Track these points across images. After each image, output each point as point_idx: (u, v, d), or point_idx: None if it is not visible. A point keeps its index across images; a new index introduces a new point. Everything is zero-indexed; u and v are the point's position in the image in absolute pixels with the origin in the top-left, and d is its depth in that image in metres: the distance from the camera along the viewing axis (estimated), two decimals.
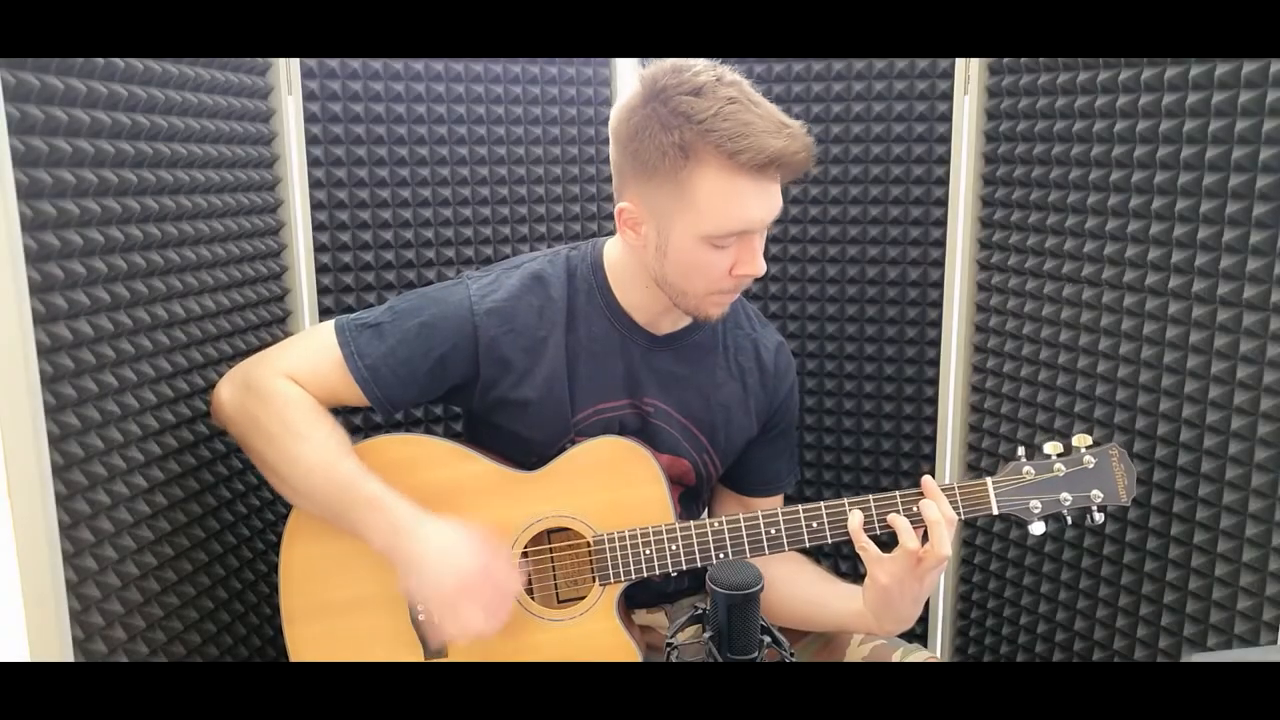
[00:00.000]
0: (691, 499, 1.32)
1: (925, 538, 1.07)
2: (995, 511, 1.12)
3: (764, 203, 1.07)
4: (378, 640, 1.17)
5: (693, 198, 1.06)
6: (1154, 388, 1.25)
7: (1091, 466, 1.13)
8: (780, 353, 1.29)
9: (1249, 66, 1.09)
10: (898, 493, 1.12)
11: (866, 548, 1.08)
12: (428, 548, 1.08)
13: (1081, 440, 1.14)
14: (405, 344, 1.16)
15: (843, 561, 1.75)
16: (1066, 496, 1.12)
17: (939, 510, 1.08)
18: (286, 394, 1.13)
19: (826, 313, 1.67)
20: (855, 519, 1.10)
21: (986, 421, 1.52)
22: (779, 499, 1.35)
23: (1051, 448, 1.14)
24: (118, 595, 1.03)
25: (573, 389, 1.20)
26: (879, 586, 1.09)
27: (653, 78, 1.07)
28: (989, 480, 1.13)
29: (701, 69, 1.06)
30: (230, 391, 1.16)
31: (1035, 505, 1.12)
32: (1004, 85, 1.42)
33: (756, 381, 1.27)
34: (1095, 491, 1.12)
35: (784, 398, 1.30)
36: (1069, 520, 1.14)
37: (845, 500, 1.13)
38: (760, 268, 1.12)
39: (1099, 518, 1.13)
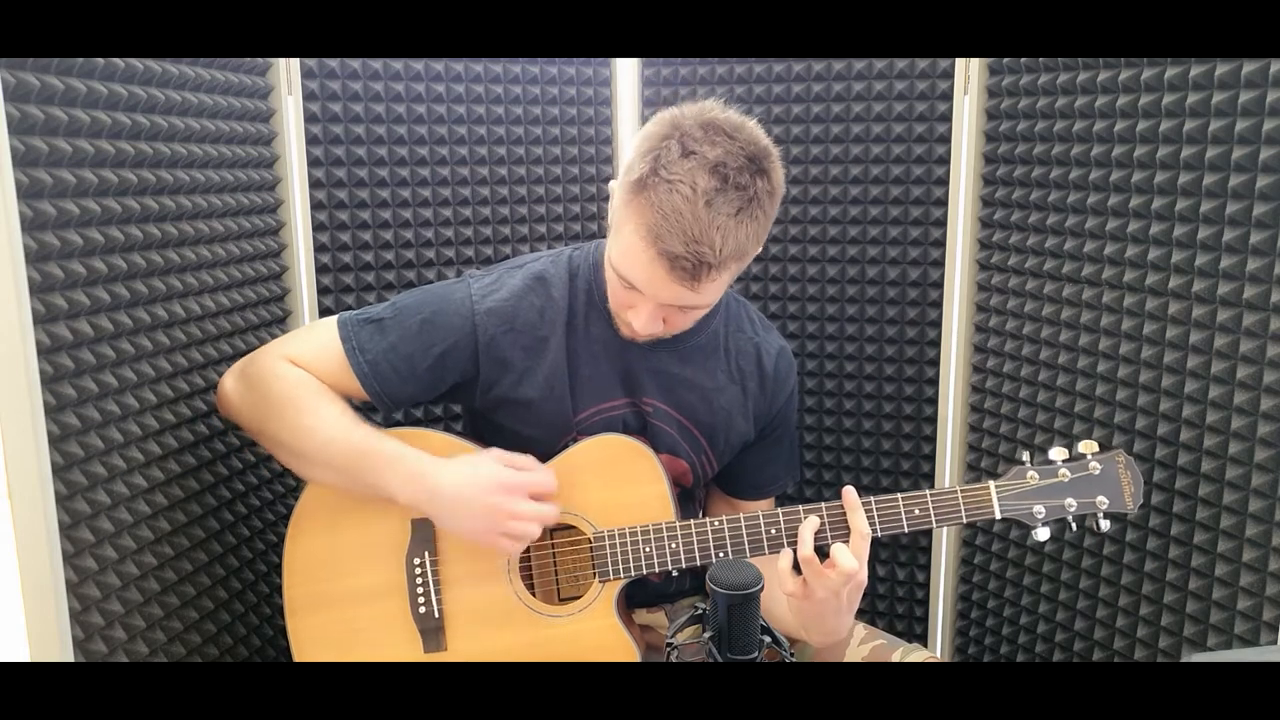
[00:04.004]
0: (687, 499, 1.32)
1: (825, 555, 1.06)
2: (998, 516, 1.12)
3: (656, 283, 1.05)
4: (378, 631, 1.17)
5: (620, 226, 1.07)
6: (1154, 388, 1.25)
7: (1097, 472, 1.12)
8: (781, 358, 1.29)
9: (1249, 66, 1.10)
10: (823, 505, 1.11)
11: (810, 561, 1.06)
12: (453, 480, 1.10)
13: (1088, 446, 1.14)
14: (406, 340, 1.17)
15: None
16: (1071, 502, 1.12)
17: (854, 523, 1.07)
18: (290, 374, 1.15)
19: (826, 313, 1.67)
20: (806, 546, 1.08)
21: (986, 421, 1.52)
22: (769, 503, 1.35)
23: (1057, 453, 1.14)
24: (118, 595, 1.03)
25: (574, 389, 1.20)
26: (814, 599, 1.07)
27: (695, 113, 1.04)
28: (992, 484, 1.13)
29: (725, 143, 1.01)
30: (234, 382, 1.17)
31: (1039, 510, 1.12)
32: (1004, 85, 1.42)
33: (756, 386, 1.27)
34: (1101, 498, 1.12)
35: (783, 404, 1.30)
36: (1073, 528, 1.13)
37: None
38: (640, 329, 1.10)
39: (1104, 525, 1.12)
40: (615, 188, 1.11)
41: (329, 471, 1.14)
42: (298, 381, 1.14)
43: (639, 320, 1.10)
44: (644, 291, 1.07)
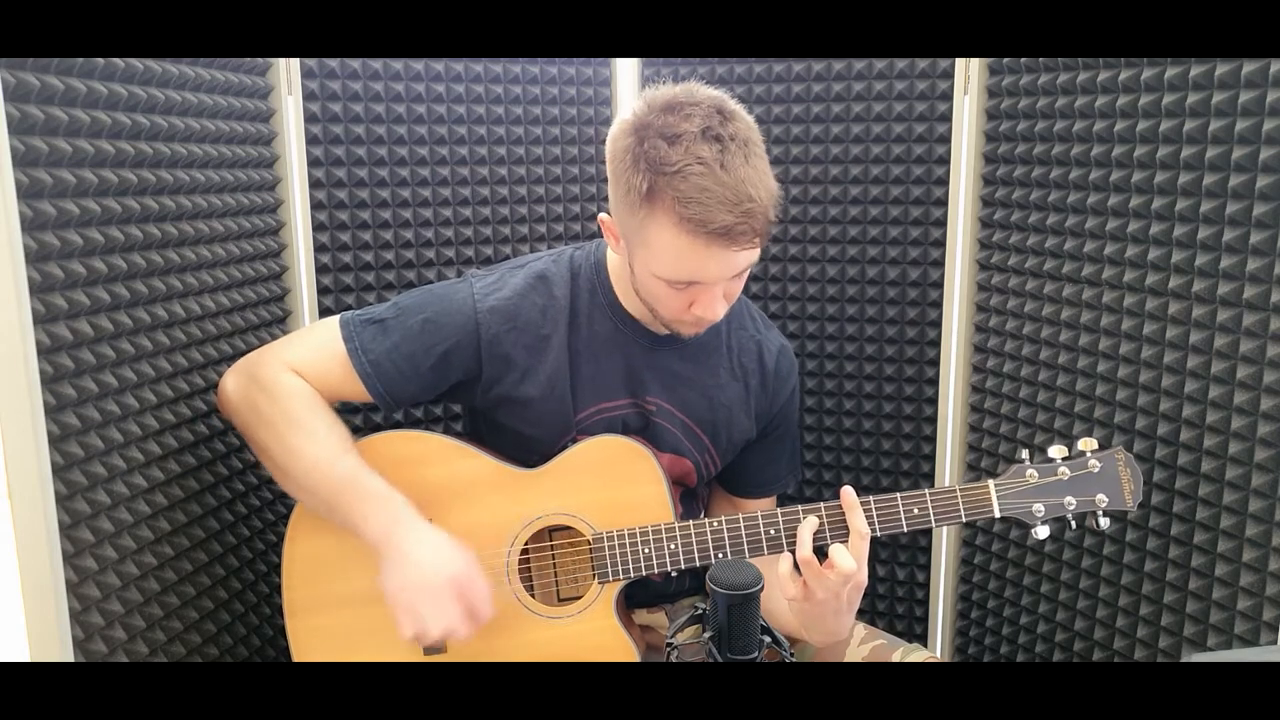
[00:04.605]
0: (690, 498, 1.33)
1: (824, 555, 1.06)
2: (997, 514, 1.12)
3: (717, 265, 1.05)
4: (378, 634, 1.17)
5: (648, 240, 1.06)
6: (1154, 388, 1.25)
7: (1097, 470, 1.12)
8: (783, 356, 1.29)
9: (1249, 66, 1.09)
10: (822, 504, 1.11)
11: (810, 562, 1.06)
12: (421, 543, 1.09)
13: (1087, 444, 1.14)
14: (409, 340, 1.17)
15: None
16: (1070, 500, 1.12)
17: (854, 523, 1.07)
18: (290, 387, 1.14)
19: (826, 313, 1.67)
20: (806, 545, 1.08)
21: (986, 421, 1.52)
22: (771, 501, 1.35)
23: (1056, 451, 1.14)
24: (118, 595, 1.03)
25: (575, 388, 1.20)
26: (814, 600, 1.07)
27: (646, 106, 1.05)
28: (991, 482, 1.13)
29: (694, 111, 1.02)
30: (235, 383, 1.17)
31: (1038, 509, 1.12)
32: (1004, 85, 1.42)
33: (758, 383, 1.27)
34: (1100, 496, 1.12)
35: (784, 402, 1.30)
36: (1073, 526, 1.13)
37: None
38: (717, 315, 1.10)
39: (1104, 523, 1.12)
40: (611, 219, 1.12)
41: (308, 495, 1.14)
42: (294, 395, 1.14)
43: (710, 309, 1.09)
44: (711, 279, 1.06)
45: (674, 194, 1.00)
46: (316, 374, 1.16)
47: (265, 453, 1.15)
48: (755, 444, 1.30)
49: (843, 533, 1.09)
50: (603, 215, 1.14)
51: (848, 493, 1.09)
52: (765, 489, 1.34)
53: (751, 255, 1.06)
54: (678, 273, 1.06)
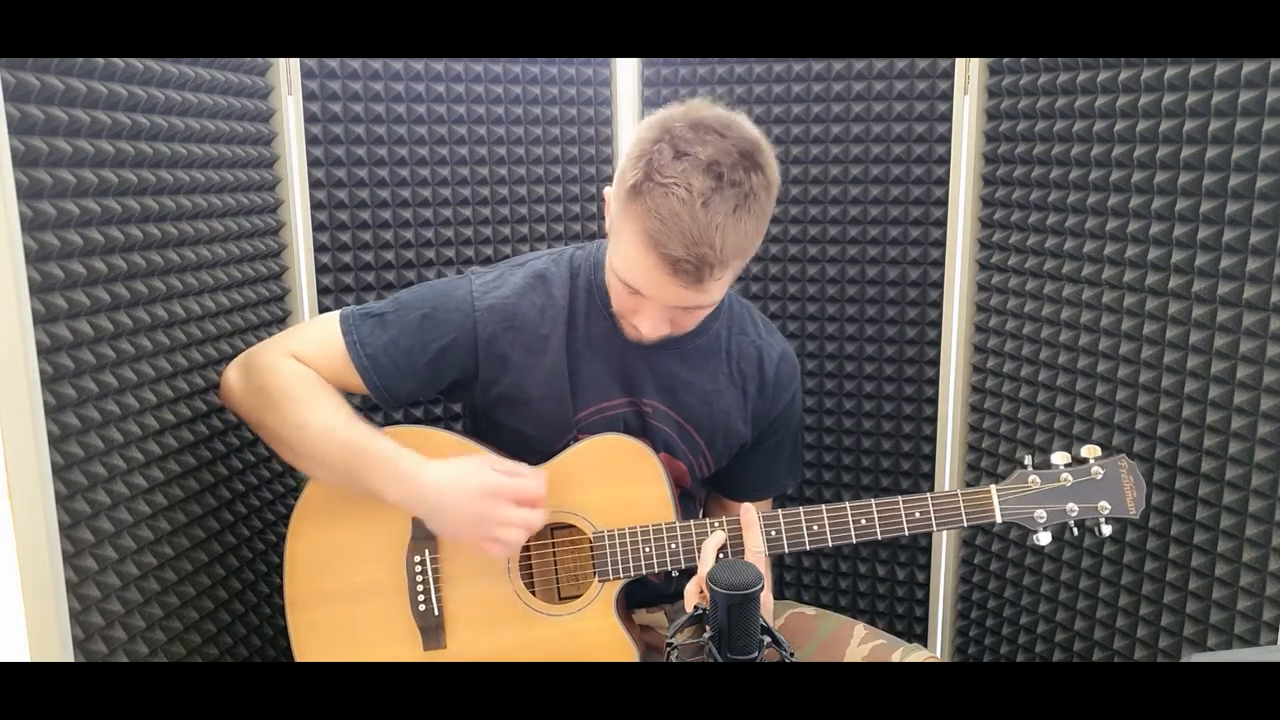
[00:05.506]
0: (687, 499, 1.33)
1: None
2: (999, 520, 1.12)
3: (657, 286, 1.04)
4: (377, 628, 1.17)
5: (619, 232, 1.06)
6: (1154, 388, 1.25)
7: (1099, 477, 1.12)
8: (784, 362, 1.29)
9: (1249, 66, 1.09)
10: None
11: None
12: (439, 481, 1.10)
13: (1091, 451, 1.14)
14: (407, 335, 1.17)
15: (843, 561, 1.75)
16: (1073, 507, 1.12)
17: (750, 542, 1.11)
18: (291, 369, 1.15)
19: (826, 313, 1.67)
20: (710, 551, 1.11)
21: (986, 421, 1.52)
22: (766, 504, 1.35)
23: (1059, 457, 1.14)
24: (118, 595, 1.03)
25: (574, 388, 1.20)
26: None
27: (683, 112, 1.04)
28: (994, 488, 1.13)
29: (715, 140, 1.01)
30: (237, 374, 1.18)
31: (1040, 515, 1.12)
32: (1004, 85, 1.42)
33: (756, 389, 1.26)
34: (1103, 503, 1.12)
35: (784, 408, 1.29)
36: (1074, 533, 1.14)
37: (848, 504, 1.14)
38: (649, 333, 1.10)
39: (1106, 530, 1.12)
40: (610, 195, 1.12)
41: (322, 467, 1.14)
42: (297, 376, 1.15)
43: (646, 324, 1.10)
44: (649, 296, 1.06)
45: (650, 204, 1.00)
46: (316, 366, 1.17)
47: (274, 434, 1.15)
48: (753, 449, 1.30)
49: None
50: (607, 189, 1.14)
51: (746, 509, 1.12)
52: (760, 493, 1.34)
53: (697, 297, 1.05)
54: (625, 274, 1.07)
